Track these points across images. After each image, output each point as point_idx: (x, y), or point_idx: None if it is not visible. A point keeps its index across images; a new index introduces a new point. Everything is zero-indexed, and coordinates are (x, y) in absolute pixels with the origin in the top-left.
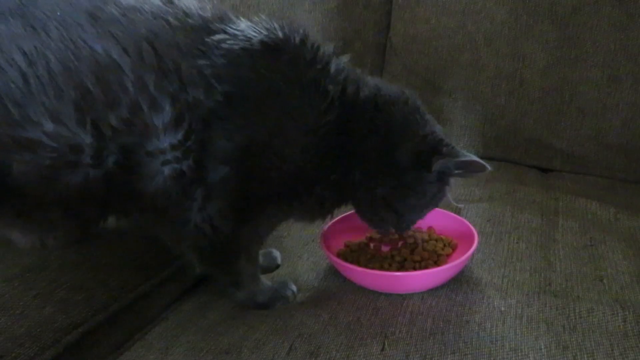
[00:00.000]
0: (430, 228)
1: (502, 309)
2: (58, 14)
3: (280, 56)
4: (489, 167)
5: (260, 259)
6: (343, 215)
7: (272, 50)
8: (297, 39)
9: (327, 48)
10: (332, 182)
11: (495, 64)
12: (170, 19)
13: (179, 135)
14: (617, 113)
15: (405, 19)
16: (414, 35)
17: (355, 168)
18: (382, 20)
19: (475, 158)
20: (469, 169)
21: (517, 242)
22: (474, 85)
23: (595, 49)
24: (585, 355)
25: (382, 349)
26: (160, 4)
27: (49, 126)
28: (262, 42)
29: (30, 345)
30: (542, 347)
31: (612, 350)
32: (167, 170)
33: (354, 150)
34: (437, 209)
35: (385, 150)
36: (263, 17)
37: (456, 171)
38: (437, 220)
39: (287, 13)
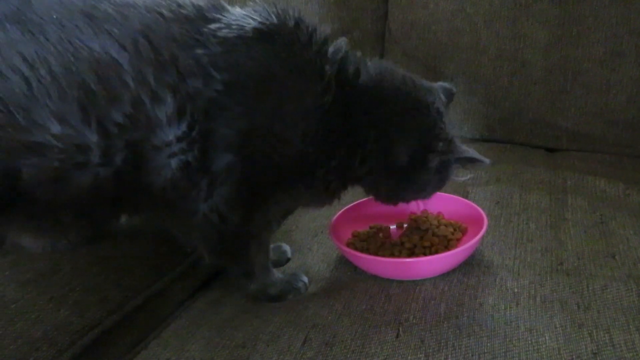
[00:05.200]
0: (439, 213)
1: (515, 290)
2: (54, 16)
3: (276, 41)
4: (487, 161)
5: (270, 253)
6: (351, 205)
7: (267, 36)
8: (292, 23)
9: (324, 30)
10: (333, 168)
11: (496, 45)
12: (164, 11)
13: (183, 127)
14: (621, 89)
15: (402, 5)
16: (413, 21)
17: (355, 157)
18: (380, 8)
19: (472, 154)
20: (467, 163)
21: (526, 223)
22: (476, 68)
23: (597, 24)
24: (601, 332)
25: (397, 336)
26: None
27: (55, 128)
28: (256, 28)
29: (47, 349)
30: (558, 326)
31: (628, 325)
32: (174, 162)
33: (353, 139)
34: (445, 194)
35: (381, 147)
36: (258, 3)
37: (455, 164)
38: (445, 205)
39: (284, 4)
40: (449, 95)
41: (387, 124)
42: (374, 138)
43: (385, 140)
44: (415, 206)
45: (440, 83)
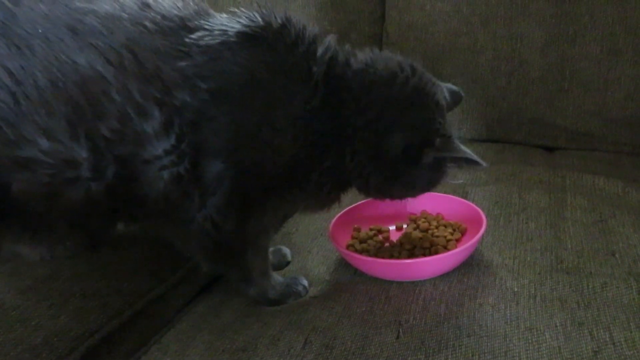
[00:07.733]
0: (438, 214)
1: (515, 289)
2: (39, 30)
3: (260, 44)
4: (484, 164)
5: (270, 257)
6: (349, 207)
7: (251, 40)
8: (277, 24)
9: (312, 30)
10: (327, 169)
11: (493, 45)
12: (148, 24)
13: (172, 140)
14: (619, 87)
15: (399, 7)
16: (410, 22)
17: (347, 154)
18: (377, 10)
19: (469, 155)
20: (462, 163)
21: (526, 223)
22: (473, 68)
23: (593, 23)
24: (601, 330)
25: (397, 337)
26: (137, 9)
27: (44, 143)
28: (240, 32)
29: (48, 355)
30: (558, 324)
31: (629, 323)
32: (165, 174)
33: (344, 136)
34: (444, 194)
35: (373, 139)
36: (243, 8)
37: (450, 163)
38: (445, 205)
39: (281, 9)
40: (456, 97)
41: (380, 108)
42: (364, 125)
43: (376, 125)
44: (414, 207)
45: (448, 84)
